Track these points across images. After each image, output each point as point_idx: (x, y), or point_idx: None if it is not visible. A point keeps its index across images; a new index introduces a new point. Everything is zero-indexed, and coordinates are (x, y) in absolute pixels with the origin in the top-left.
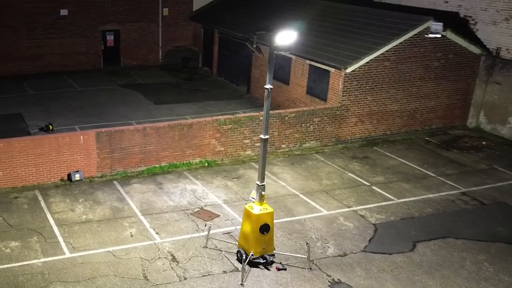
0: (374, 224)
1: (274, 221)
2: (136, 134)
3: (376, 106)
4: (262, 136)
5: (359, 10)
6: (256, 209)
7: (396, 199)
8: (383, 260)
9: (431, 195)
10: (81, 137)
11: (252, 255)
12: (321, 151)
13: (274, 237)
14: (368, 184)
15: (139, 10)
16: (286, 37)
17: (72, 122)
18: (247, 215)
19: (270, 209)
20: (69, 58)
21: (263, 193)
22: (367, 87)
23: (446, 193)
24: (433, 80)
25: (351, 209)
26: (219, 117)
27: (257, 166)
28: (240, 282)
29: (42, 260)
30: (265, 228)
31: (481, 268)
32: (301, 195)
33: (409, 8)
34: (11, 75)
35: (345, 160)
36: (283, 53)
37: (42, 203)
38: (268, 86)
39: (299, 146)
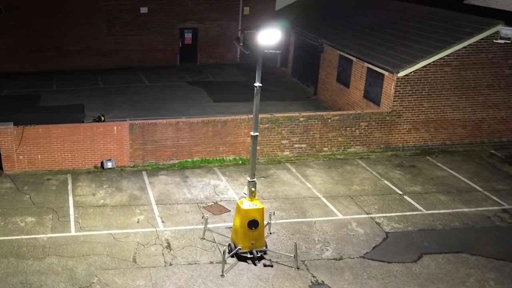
0: (387, 233)
1: (283, 220)
2: (168, 128)
3: (433, 114)
4: (252, 133)
5: (431, 12)
6: (246, 204)
7: (424, 210)
8: (379, 267)
9: (466, 209)
10: (115, 127)
11: (240, 249)
12: (366, 156)
13: (276, 235)
14: (400, 193)
15: (219, 9)
16: (269, 36)
17: (126, 115)
18: (238, 209)
19: (260, 206)
20: (146, 54)
21: (253, 189)
22: (423, 93)
23: (484, 208)
24: (504, 89)
25: (369, 216)
26: None
27: (291, 167)
28: (220, 273)
29: (49, 235)
30: (253, 224)
31: (483, 286)
32: (322, 198)
33: (497, 11)
34: (89, 69)
35: (387, 168)
36: (273, 51)
37: (69, 186)
38: (257, 84)
39: (342, 150)
